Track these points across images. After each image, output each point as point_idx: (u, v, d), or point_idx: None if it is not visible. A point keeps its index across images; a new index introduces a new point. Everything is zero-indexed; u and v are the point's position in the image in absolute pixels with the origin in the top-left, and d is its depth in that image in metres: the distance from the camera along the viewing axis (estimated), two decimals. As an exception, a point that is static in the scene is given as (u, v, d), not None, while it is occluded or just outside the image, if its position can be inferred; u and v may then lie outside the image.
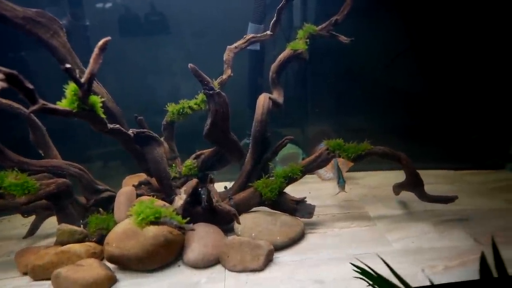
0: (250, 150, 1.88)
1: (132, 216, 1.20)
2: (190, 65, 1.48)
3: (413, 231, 1.70)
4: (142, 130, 1.60)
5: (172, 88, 2.59)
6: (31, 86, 1.02)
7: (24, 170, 1.59)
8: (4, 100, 1.59)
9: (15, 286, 1.52)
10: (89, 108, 1.19)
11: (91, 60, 1.09)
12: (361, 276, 1.06)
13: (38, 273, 1.53)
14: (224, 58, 1.85)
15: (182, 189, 1.57)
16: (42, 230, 1.99)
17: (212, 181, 1.44)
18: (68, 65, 1.04)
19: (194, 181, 1.64)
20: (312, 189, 2.25)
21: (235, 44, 1.88)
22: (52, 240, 1.86)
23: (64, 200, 1.71)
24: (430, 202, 1.71)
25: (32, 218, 1.97)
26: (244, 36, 1.91)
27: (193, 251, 1.53)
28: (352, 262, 1.12)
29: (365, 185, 2.36)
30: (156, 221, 1.13)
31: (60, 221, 1.72)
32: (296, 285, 1.38)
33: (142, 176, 2.10)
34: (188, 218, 1.15)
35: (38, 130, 1.75)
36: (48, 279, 1.51)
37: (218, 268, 1.53)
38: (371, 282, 1.02)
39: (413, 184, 1.70)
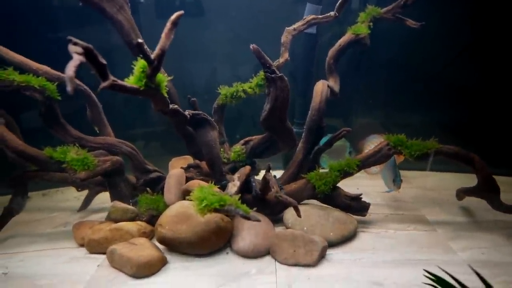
0: (303, 140, 1.79)
1: (193, 201, 1.17)
2: (253, 45, 1.39)
3: (482, 241, 1.54)
4: (197, 112, 1.56)
5: (211, 72, 2.54)
6: (104, 62, 0.99)
7: (82, 146, 1.63)
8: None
9: (73, 257, 1.58)
10: (155, 87, 1.15)
11: (163, 35, 1.04)
12: (435, 285, 0.96)
13: (94, 247, 1.57)
14: (282, 41, 1.74)
15: (236, 176, 1.53)
16: (93, 204, 2.06)
17: (269, 170, 1.38)
18: (140, 40, 1.00)
19: (247, 168, 1.58)
20: (360, 184, 2.13)
21: (294, 26, 1.76)
22: (102, 214, 1.93)
23: (117, 178, 1.74)
24: (506, 212, 1.53)
25: (84, 192, 2.05)
26: (304, 18, 1.78)
27: (244, 240, 1.49)
28: (425, 269, 1.00)
29: (419, 186, 2.19)
30: (220, 209, 1.08)
31: (112, 198, 1.76)
32: (352, 285, 1.30)
33: (188, 158, 2.09)
34: (254, 208, 1.09)
35: (95, 107, 1.77)
36: (103, 253, 1.55)
37: (268, 259, 1.48)
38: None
39: (487, 190, 1.53)
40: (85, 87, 1.69)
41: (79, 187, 1.99)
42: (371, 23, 1.83)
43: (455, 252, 1.48)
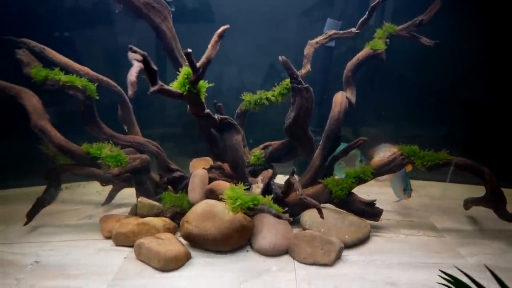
0: (320, 147, 1.89)
1: (225, 200, 1.27)
2: (282, 57, 1.50)
3: (488, 248, 1.63)
4: (225, 116, 1.66)
5: (219, 79, 2.64)
6: (155, 68, 1.09)
7: (114, 144, 1.73)
8: (105, 78, 1.72)
9: (100, 248, 1.66)
10: (196, 92, 1.25)
11: (209, 46, 1.14)
12: (451, 286, 1.05)
13: (121, 240, 1.66)
14: (305, 53, 1.86)
15: (259, 178, 1.62)
16: (115, 199, 2.15)
17: (293, 174, 1.47)
18: (189, 50, 1.11)
19: (269, 171, 1.68)
20: (370, 192, 2.22)
21: (316, 40, 1.88)
22: (124, 209, 2.02)
23: (143, 175, 1.83)
24: (511, 222, 1.63)
25: (104, 187, 2.13)
26: (325, 32, 1.90)
27: (265, 239, 1.58)
28: (441, 270, 1.09)
29: (425, 195, 2.29)
30: (253, 208, 1.18)
31: (138, 194, 1.85)
32: (368, 285, 1.39)
33: (208, 160, 2.19)
34: (286, 208, 1.19)
35: (126, 107, 1.88)
36: (128, 246, 1.64)
37: (286, 258, 1.57)
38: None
39: (494, 201, 1.63)
40: (119, 88, 1.80)
41: (104, 182, 2.08)
42: (387, 39, 1.95)
43: (464, 257, 1.57)
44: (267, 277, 1.45)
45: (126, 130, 1.93)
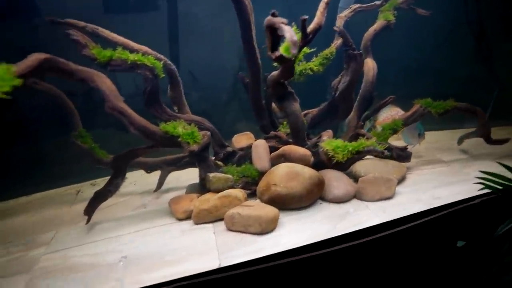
0: (355, 108, 2.16)
1: (331, 151, 1.43)
2: (338, 27, 1.68)
3: (484, 165, 2.14)
4: (286, 85, 1.77)
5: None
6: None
7: (178, 123, 1.68)
8: (162, 56, 1.63)
9: (182, 230, 1.64)
10: (295, 57, 1.35)
11: (318, 13, 1.26)
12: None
13: (202, 217, 1.67)
14: (338, 25, 2.06)
15: (325, 137, 1.81)
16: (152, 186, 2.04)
17: (362, 127, 1.71)
18: (305, 16, 1.21)
19: (330, 132, 1.89)
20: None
21: (344, 13, 2.10)
22: (174, 193, 1.98)
23: (205, 152, 1.83)
24: (495, 144, 2.21)
25: (148, 173, 2.03)
26: (350, 6, 2.13)
27: (338, 188, 1.81)
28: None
29: (425, 142, 2.75)
30: (361, 151, 1.38)
31: (202, 171, 1.84)
32: (424, 202, 1.75)
33: (248, 134, 2.26)
34: (387, 145, 1.41)
35: (177, 87, 1.82)
36: (209, 222, 1.66)
37: (355, 201, 1.82)
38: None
39: (483, 131, 2.19)
40: (173, 66, 1.73)
41: (149, 169, 1.99)
42: (395, 12, 2.29)
43: (470, 174, 2.03)
44: (351, 217, 1.68)
45: (176, 110, 1.87)
